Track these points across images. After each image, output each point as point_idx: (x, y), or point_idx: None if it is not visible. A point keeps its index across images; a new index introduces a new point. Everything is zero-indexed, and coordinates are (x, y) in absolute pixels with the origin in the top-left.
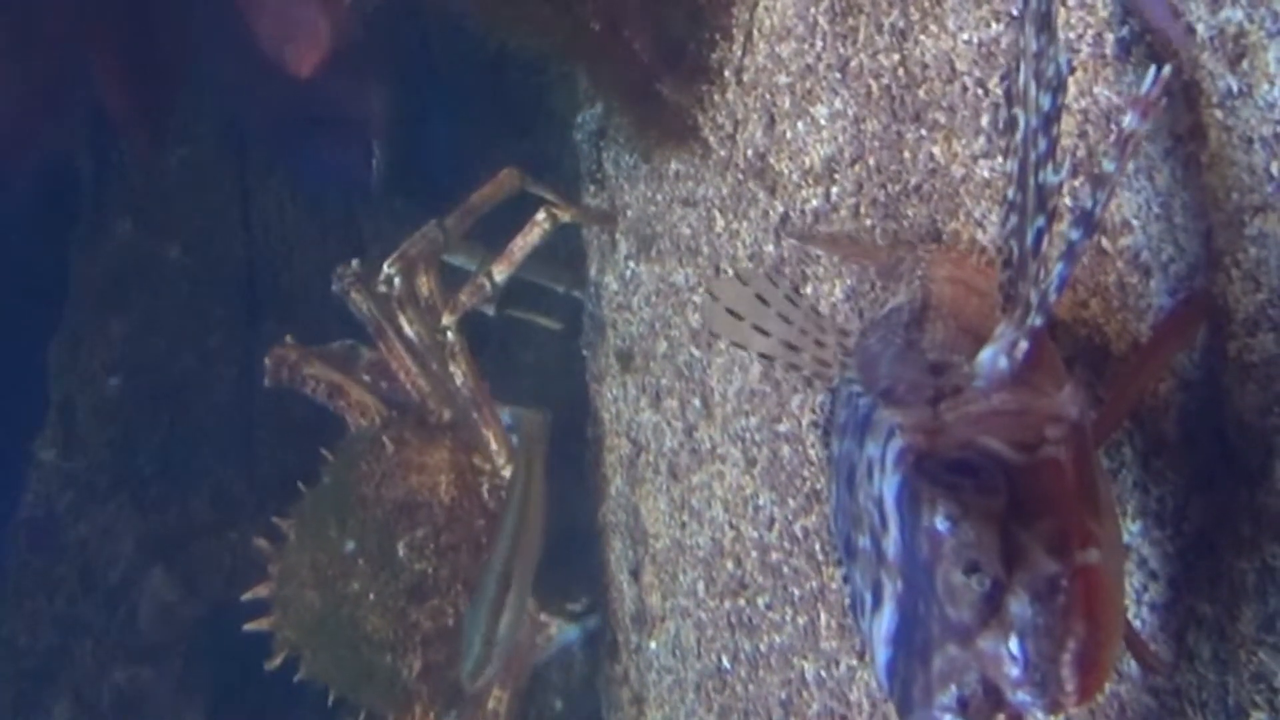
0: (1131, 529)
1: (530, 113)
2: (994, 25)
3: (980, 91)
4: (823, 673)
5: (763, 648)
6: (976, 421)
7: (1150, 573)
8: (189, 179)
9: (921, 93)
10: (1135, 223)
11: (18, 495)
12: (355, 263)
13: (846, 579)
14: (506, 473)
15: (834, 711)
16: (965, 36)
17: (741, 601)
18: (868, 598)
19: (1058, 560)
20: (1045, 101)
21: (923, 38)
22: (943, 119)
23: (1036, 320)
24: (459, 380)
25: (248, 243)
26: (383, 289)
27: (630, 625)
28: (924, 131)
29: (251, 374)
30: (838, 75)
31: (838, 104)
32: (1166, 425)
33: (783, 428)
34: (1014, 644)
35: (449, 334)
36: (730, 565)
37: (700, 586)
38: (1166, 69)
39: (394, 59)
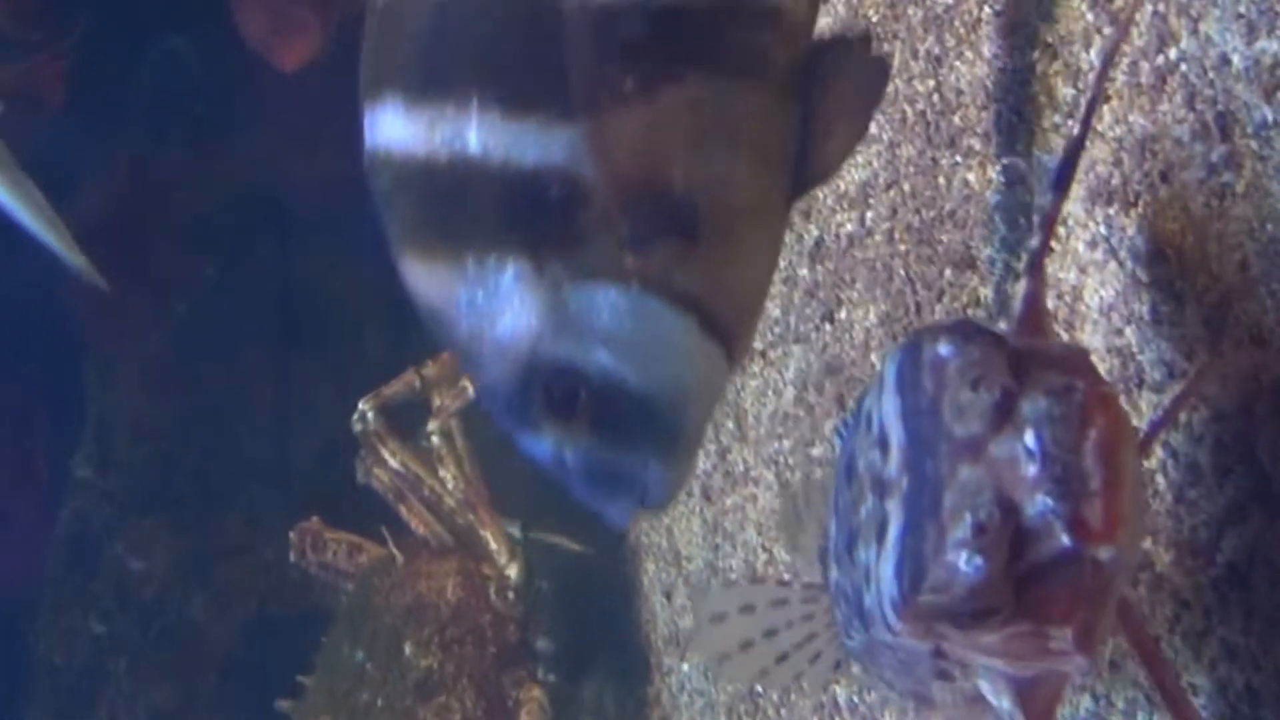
0: (1164, 559)
1: None
2: (1029, 52)
3: (1015, 118)
4: (855, 698)
5: None
6: None
7: (1183, 602)
8: (226, 197)
9: (956, 119)
10: (1169, 252)
11: (55, 513)
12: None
13: (845, 615)
14: (511, 572)
15: None
16: (1000, 63)
17: None
18: (871, 556)
19: (1070, 377)
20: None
21: (958, 64)
22: (977, 145)
23: (1025, 282)
24: (450, 484)
25: (285, 262)
26: (357, 427)
27: (663, 647)
28: (959, 158)
29: (287, 393)
30: None
31: (873, 129)
32: (1200, 455)
33: (816, 451)
34: (1029, 437)
35: (434, 439)
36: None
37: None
38: None
39: None
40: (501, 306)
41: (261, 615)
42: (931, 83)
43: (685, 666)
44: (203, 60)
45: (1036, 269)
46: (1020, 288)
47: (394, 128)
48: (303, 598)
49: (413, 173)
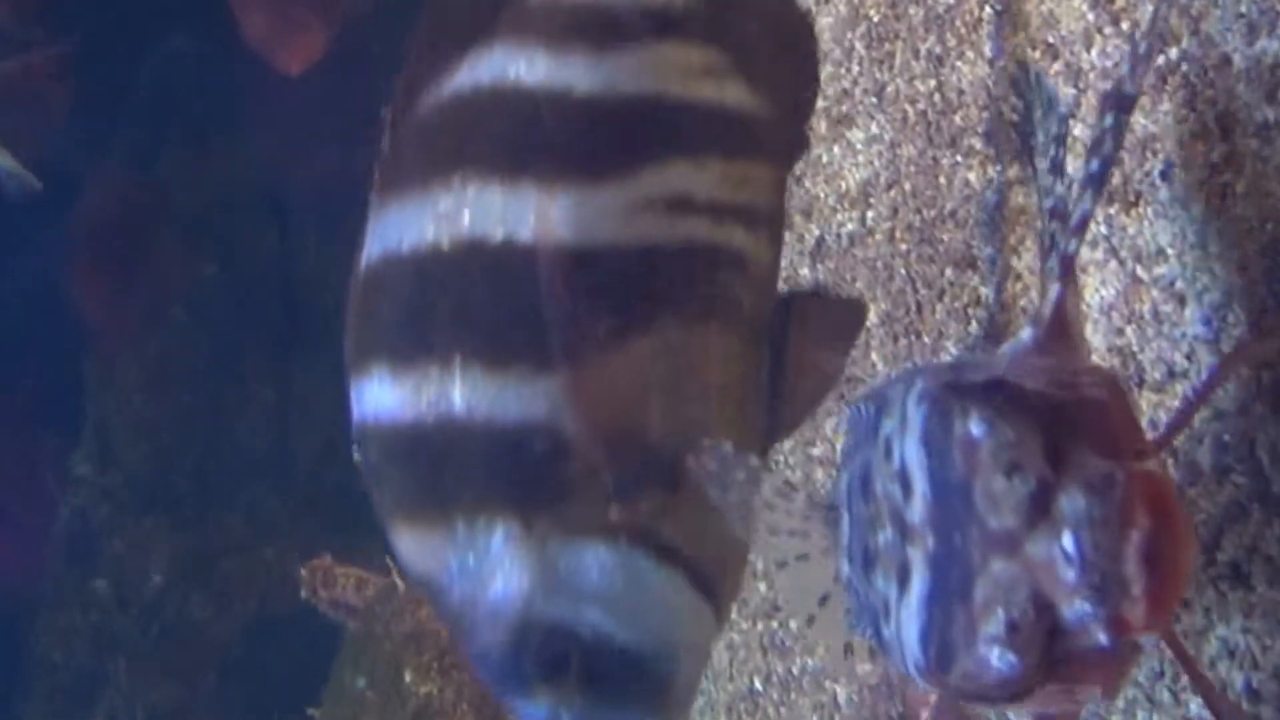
0: None
1: None
2: (1030, 52)
3: (1015, 118)
4: (855, 696)
5: (795, 670)
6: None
7: (1183, 601)
8: (227, 197)
9: (957, 118)
10: (1170, 251)
11: (54, 511)
12: None
13: (858, 609)
14: None
15: None
16: (1001, 63)
17: (774, 624)
18: (892, 595)
19: (1111, 461)
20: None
21: (959, 64)
22: (978, 144)
23: (1055, 286)
24: None
25: (285, 261)
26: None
27: None
28: (959, 157)
29: (287, 391)
30: (874, 100)
31: (874, 128)
32: (1200, 455)
33: (816, 451)
34: (1067, 539)
35: None
36: (763, 588)
37: (733, 609)
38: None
39: None
40: (492, 569)
41: (261, 614)
42: (933, 82)
43: None
44: (205, 61)
45: (1067, 274)
46: (1050, 292)
47: (380, 397)
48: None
49: (400, 440)
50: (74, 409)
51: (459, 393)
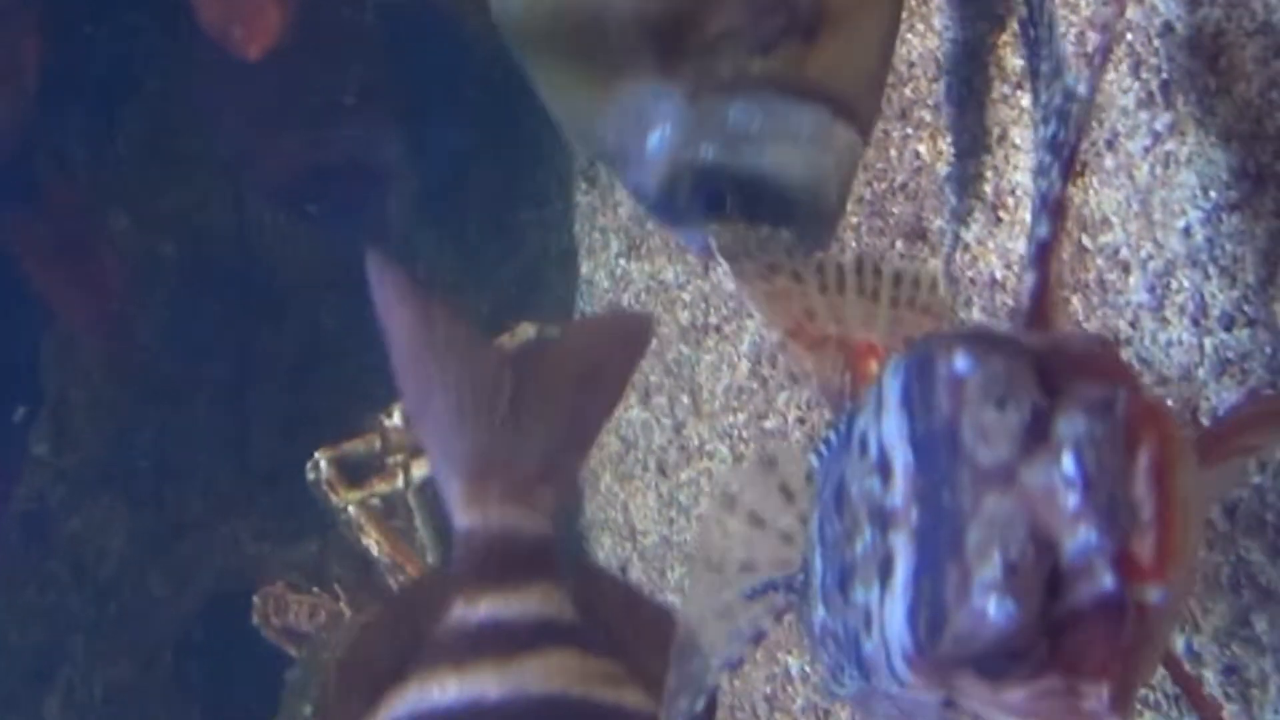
0: None
1: (520, 106)
2: (979, 24)
3: (965, 90)
4: (807, 668)
5: None
6: None
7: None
8: (185, 176)
9: (908, 91)
10: (1115, 219)
11: (10, 489)
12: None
13: (835, 659)
14: None
15: (817, 706)
16: (951, 35)
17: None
18: (874, 598)
19: (1110, 388)
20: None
21: (909, 36)
22: (928, 117)
23: (1030, 275)
24: (374, 551)
25: (242, 239)
26: (310, 475)
27: None
28: (910, 130)
29: (244, 369)
30: None
31: None
32: None
33: (769, 424)
34: (1068, 461)
35: (350, 509)
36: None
37: (688, 582)
38: None
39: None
40: (646, 123)
41: (219, 592)
42: None
43: None
44: (162, 38)
45: (1044, 260)
46: (1026, 281)
47: None
48: (260, 574)
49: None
50: (32, 388)
51: None
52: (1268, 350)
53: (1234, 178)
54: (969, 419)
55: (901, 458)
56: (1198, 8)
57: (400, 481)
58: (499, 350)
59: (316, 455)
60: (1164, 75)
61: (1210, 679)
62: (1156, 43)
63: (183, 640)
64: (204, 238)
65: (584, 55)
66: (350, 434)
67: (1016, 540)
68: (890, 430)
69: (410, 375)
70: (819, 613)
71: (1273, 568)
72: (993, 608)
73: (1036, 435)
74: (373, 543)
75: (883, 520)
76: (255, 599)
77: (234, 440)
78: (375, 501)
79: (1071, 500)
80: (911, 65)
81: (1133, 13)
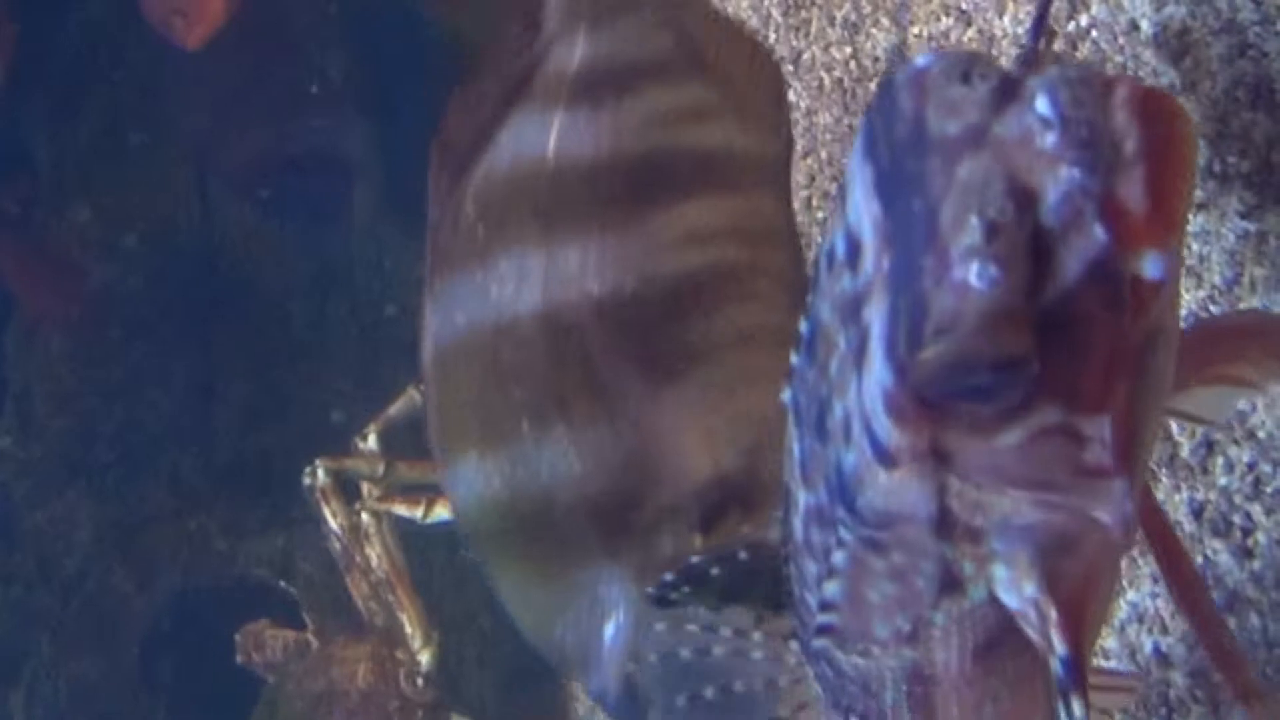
0: None
1: None
2: (944, 19)
3: None
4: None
5: None
6: None
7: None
8: (147, 167)
9: (873, 85)
10: None
11: None
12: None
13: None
14: (423, 658)
15: None
16: (916, 30)
17: None
18: (851, 395)
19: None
20: None
21: (874, 31)
22: None
23: None
24: (374, 563)
25: (206, 231)
26: (306, 480)
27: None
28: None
29: (209, 362)
30: (790, 68)
31: (790, 96)
32: None
33: None
34: (1042, 101)
35: (364, 516)
36: None
37: None
38: None
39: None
40: (598, 617)
41: (185, 586)
42: (848, 49)
43: None
44: (121, 29)
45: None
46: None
47: (471, 476)
48: (226, 568)
49: (498, 509)
50: None
51: (545, 457)
52: None
53: (1200, 177)
54: (933, 104)
55: (869, 216)
56: (1163, 6)
57: (420, 512)
58: None
59: (317, 462)
60: (1129, 73)
61: (1178, 681)
62: (1122, 40)
63: (149, 635)
64: (168, 230)
65: (535, 547)
66: (352, 454)
67: (994, 198)
68: (856, 204)
69: None
70: (798, 512)
71: (1239, 570)
72: (974, 275)
73: (1007, 95)
74: (374, 555)
75: (856, 305)
76: (237, 638)
77: (200, 434)
78: (365, 518)
79: (1049, 139)
80: (877, 60)
81: (1098, 10)
